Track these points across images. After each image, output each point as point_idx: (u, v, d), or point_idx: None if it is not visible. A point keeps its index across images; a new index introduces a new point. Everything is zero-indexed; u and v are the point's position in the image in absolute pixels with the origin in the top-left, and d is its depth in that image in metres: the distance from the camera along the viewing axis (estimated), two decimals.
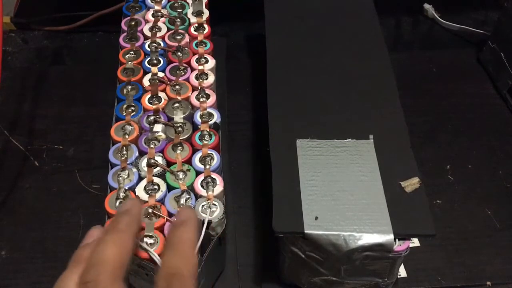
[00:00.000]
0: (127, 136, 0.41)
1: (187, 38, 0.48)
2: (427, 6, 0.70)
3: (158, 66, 0.46)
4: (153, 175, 0.39)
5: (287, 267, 0.43)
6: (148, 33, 0.48)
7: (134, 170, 0.39)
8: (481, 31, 0.66)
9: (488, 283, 0.46)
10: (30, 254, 0.48)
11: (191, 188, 0.38)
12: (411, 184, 0.40)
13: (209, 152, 0.40)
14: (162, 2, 0.51)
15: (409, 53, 0.66)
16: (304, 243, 0.38)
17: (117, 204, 0.37)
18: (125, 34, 0.49)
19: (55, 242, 0.48)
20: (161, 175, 0.39)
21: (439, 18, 0.69)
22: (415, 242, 0.48)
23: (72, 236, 0.49)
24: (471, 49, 0.66)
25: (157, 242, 0.35)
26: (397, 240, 0.37)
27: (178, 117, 0.42)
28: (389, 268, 0.40)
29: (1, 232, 0.49)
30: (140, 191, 0.38)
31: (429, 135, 0.57)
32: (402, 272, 0.46)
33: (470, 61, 0.65)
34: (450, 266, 0.47)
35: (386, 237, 0.37)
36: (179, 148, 0.40)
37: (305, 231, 0.37)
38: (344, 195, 0.39)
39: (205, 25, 0.50)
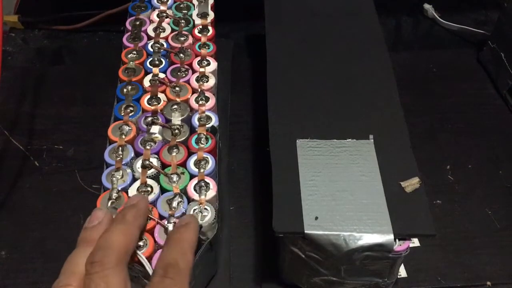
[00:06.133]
0: (123, 136, 0.41)
1: (190, 40, 0.48)
2: (427, 6, 0.70)
3: (160, 67, 0.46)
4: (147, 177, 0.38)
5: (287, 267, 0.43)
6: (152, 34, 0.48)
7: (128, 171, 0.39)
8: (481, 31, 0.66)
9: (488, 283, 0.46)
10: (30, 254, 0.48)
11: (184, 192, 0.38)
12: (411, 184, 0.40)
13: (204, 155, 0.40)
14: (168, 2, 0.51)
15: (409, 53, 0.66)
16: (304, 243, 0.38)
17: (109, 204, 0.37)
18: (129, 33, 0.49)
19: (55, 242, 0.48)
20: (155, 177, 0.39)
21: (439, 18, 0.69)
22: (415, 242, 0.48)
23: (72, 236, 0.48)
24: (471, 49, 0.66)
25: (146, 244, 0.35)
26: (397, 240, 0.37)
27: (176, 119, 0.42)
28: (389, 268, 0.40)
29: (1, 232, 0.49)
30: (133, 192, 0.38)
31: (429, 135, 0.57)
32: (402, 272, 0.46)
33: (470, 61, 0.65)
34: (450, 266, 0.47)
35: (386, 237, 0.37)
36: (175, 150, 0.40)
37: (305, 231, 0.37)
38: (344, 195, 0.39)
39: (209, 27, 0.49)
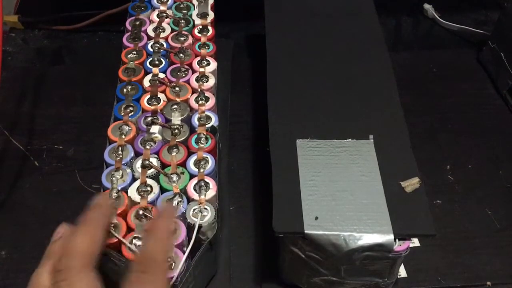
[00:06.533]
0: (123, 136, 0.41)
1: (190, 40, 0.48)
2: (427, 6, 0.70)
3: (160, 67, 0.46)
4: (147, 177, 0.38)
5: (287, 267, 0.43)
6: (152, 34, 0.48)
7: (128, 170, 0.39)
8: (481, 31, 0.66)
9: (488, 283, 0.46)
10: (30, 254, 0.48)
11: (184, 191, 0.38)
12: (411, 184, 0.40)
13: (204, 155, 0.40)
14: (168, 2, 0.51)
15: (409, 53, 0.66)
16: (304, 243, 0.38)
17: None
18: (129, 33, 0.49)
19: None
20: (155, 177, 0.39)
21: (439, 18, 0.69)
22: (415, 242, 0.48)
23: None
24: (471, 49, 0.66)
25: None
26: (397, 240, 0.37)
27: (176, 119, 0.42)
28: (389, 268, 0.40)
29: (1, 232, 0.49)
30: (132, 192, 0.38)
31: (429, 135, 0.57)
32: (402, 272, 0.46)
33: (470, 61, 0.65)
34: (450, 266, 0.47)
35: (386, 237, 0.37)
36: (175, 150, 0.40)
37: (305, 231, 0.37)
38: (344, 195, 0.39)
39: (209, 27, 0.49)
